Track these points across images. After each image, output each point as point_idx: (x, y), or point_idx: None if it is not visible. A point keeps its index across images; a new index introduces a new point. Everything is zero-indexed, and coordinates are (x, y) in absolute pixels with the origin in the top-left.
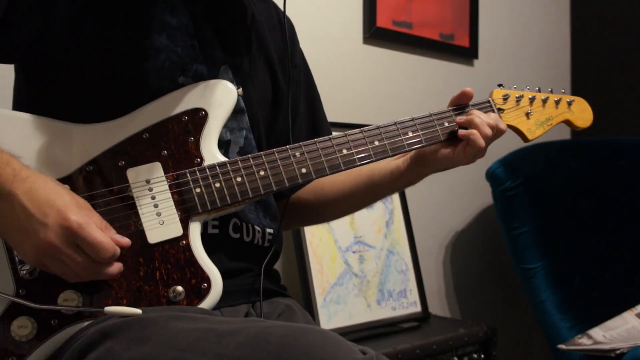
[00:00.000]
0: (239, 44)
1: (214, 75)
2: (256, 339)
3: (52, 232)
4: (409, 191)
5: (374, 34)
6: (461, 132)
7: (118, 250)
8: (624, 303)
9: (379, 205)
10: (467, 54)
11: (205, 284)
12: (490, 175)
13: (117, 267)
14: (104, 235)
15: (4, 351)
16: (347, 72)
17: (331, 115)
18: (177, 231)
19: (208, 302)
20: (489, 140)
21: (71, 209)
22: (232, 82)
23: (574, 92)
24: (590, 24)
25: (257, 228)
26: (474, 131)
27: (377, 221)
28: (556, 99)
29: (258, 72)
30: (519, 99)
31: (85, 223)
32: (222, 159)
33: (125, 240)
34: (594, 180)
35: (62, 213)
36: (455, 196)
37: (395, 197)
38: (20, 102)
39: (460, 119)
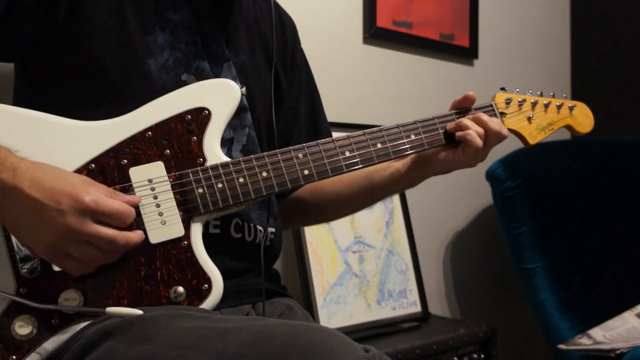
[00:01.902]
0: (242, 42)
1: (217, 72)
2: (259, 337)
3: (71, 216)
4: (409, 191)
5: (374, 34)
6: (458, 133)
7: (134, 211)
8: (624, 303)
9: (379, 205)
10: (467, 54)
11: (206, 285)
12: (490, 175)
13: (139, 233)
14: (118, 202)
15: (4, 350)
16: (347, 72)
17: (331, 115)
18: (179, 231)
19: (209, 303)
20: (490, 144)
21: (81, 190)
22: (235, 79)
23: (574, 92)
24: (590, 24)
25: (259, 227)
26: (469, 131)
27: (377, 221)
28: (558, 104)
29: (261, 70)
30: (521, 103)
31: (99, 198)
32: (225, 159)
33: (136, 198)
34: (593, 180)
35: (74, 196)
36: (455, 196)
37: (395, 197)
38: (21, 101)
39: (450, 125)
